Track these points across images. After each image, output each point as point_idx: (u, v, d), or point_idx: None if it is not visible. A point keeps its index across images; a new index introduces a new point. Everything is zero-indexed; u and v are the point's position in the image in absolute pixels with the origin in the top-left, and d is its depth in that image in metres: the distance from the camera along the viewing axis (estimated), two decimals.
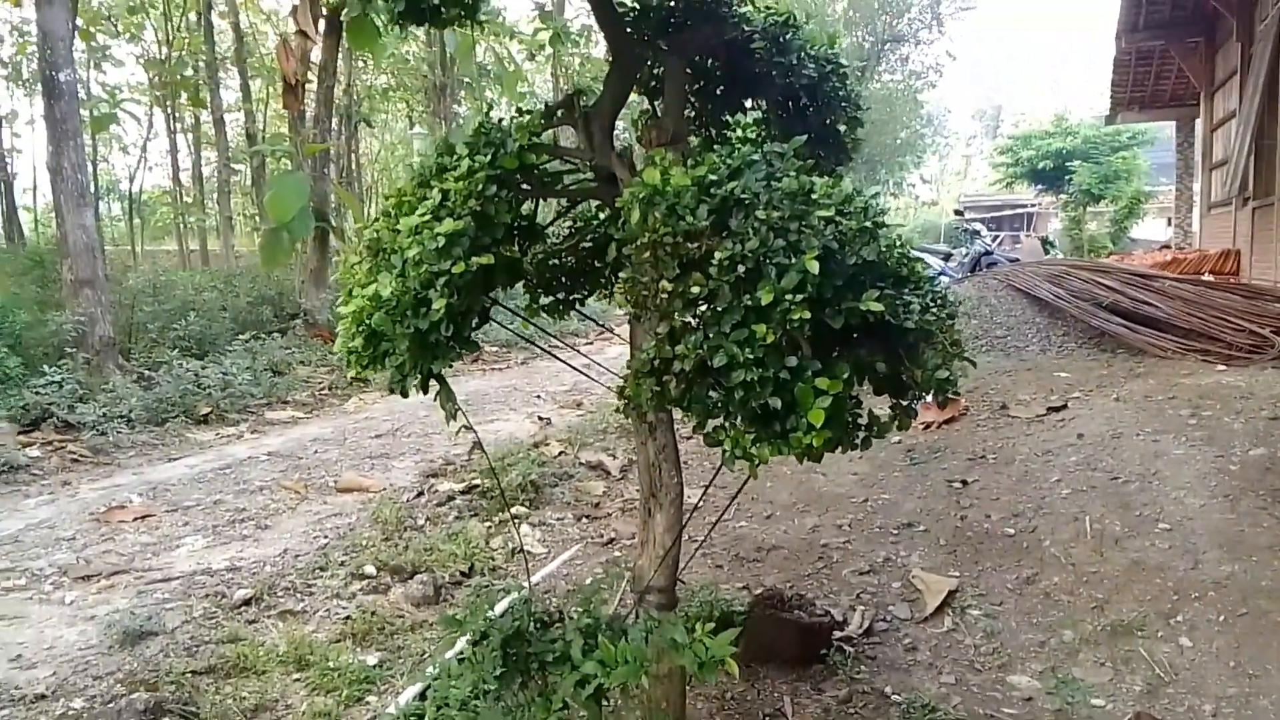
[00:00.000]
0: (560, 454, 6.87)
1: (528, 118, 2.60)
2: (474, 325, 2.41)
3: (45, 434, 7.70)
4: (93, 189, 10.12)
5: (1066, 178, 26.24)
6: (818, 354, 2.34)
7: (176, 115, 23.08)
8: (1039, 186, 32.49)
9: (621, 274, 2.24)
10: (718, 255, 2.14)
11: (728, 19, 2.80)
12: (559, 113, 2.77)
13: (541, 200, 2.94)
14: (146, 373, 9.38)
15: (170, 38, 20.44)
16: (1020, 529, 5.15)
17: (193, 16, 20.89)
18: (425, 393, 2.49)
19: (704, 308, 2.20)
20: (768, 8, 2.84)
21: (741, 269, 2.17)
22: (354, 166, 26.46)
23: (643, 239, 2.15)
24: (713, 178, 2.24)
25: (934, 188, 56.35)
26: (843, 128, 3.18)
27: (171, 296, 10.98)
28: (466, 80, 21.49)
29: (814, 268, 2.12)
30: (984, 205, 41.20)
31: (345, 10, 3.33)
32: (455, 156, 2.37)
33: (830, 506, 5.84)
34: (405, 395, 2.51)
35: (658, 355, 2.20)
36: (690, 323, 2.18)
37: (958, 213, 23.59)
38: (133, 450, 7.60)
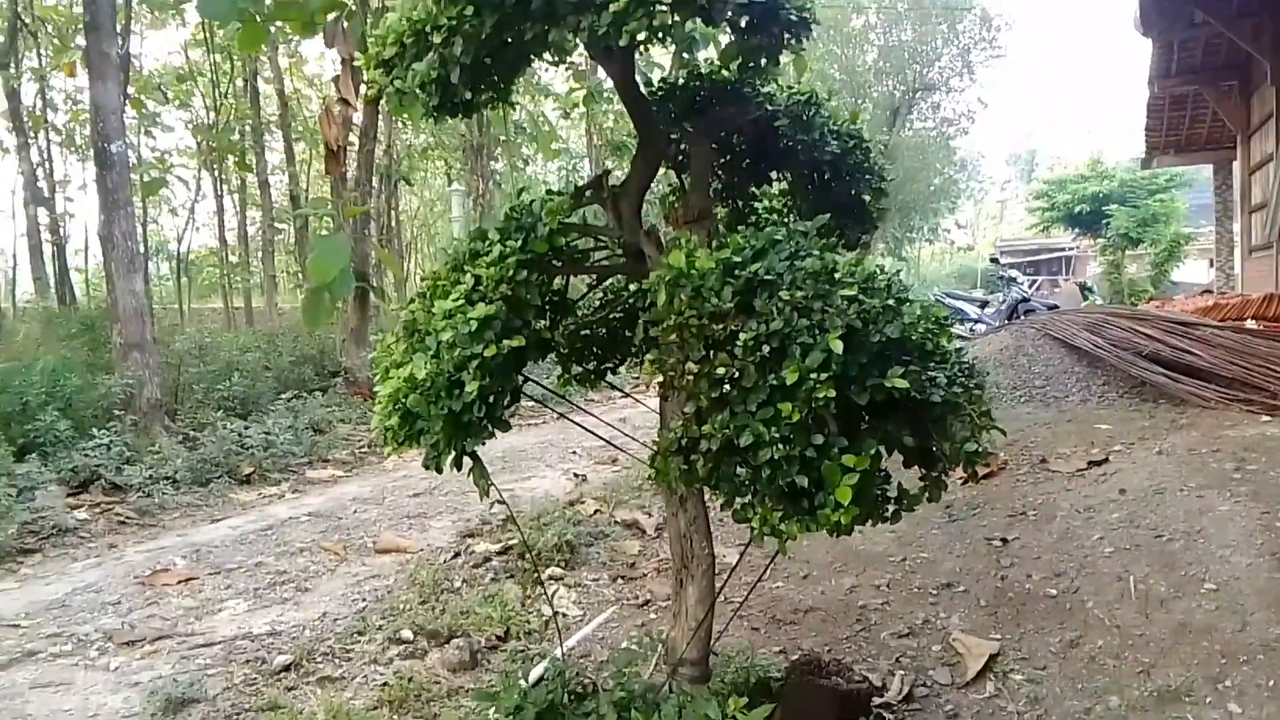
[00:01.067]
0: (595, 512, 6.89)
1: (558, 199, 2.68)
2: (505, 404, 2.47)
3: (94, 496, 7.87)
4: (142, 252, 10.44)
5: (1104, 221, 26.06)
6: (844, 430, 2.37)
7: (224, 178, 23.74)
8: (1076, 230, 32.27)
9: (649, 355, 2.29)
10: (742, 336, 2.18)
11: (752, 99, 2.87)
12: (588, 192, 2.84)
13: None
14: (192, 433, 9.58)
15: (218, 104, 21.14)
16: (1063, 589, 5.06)
17: (240, 82, 21.62)
18: (459, 469, 2.54)
19: (730, 387, 2.25)
20: (790, 88, 2.92)
21: (766, 349, 2.21)
22: (394, 224, 26.98)
23: (669, 321, 2.20)
24: (737, 259, 2.29)
25: (970, 232, 56.21)
26: (867, 198, 3.22)
27: (216, 358, 11.24)
28: (503, 138, 21.94)
29: (838, 347, 2.16)
30: (1021, 249, 40.95)
31: (384, 101, 3.44)
32: (487, 242, 2.44)
33: (868, 566, 5.78)
34: (440, 471, 2.57)
35: (685, 435, 2.24)
36: (717, 402, 2.22)
37: (993, 260, 23.45)
38: (177, 512, 7.74)
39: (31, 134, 19.22)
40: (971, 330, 16.50)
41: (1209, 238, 22.88)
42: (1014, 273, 18.56)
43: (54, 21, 20.03)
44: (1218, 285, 17.80)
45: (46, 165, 19.45)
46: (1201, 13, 11.87)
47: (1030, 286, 23.56)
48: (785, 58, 2.80)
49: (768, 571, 5.53)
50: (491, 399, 2.30)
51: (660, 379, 2.26)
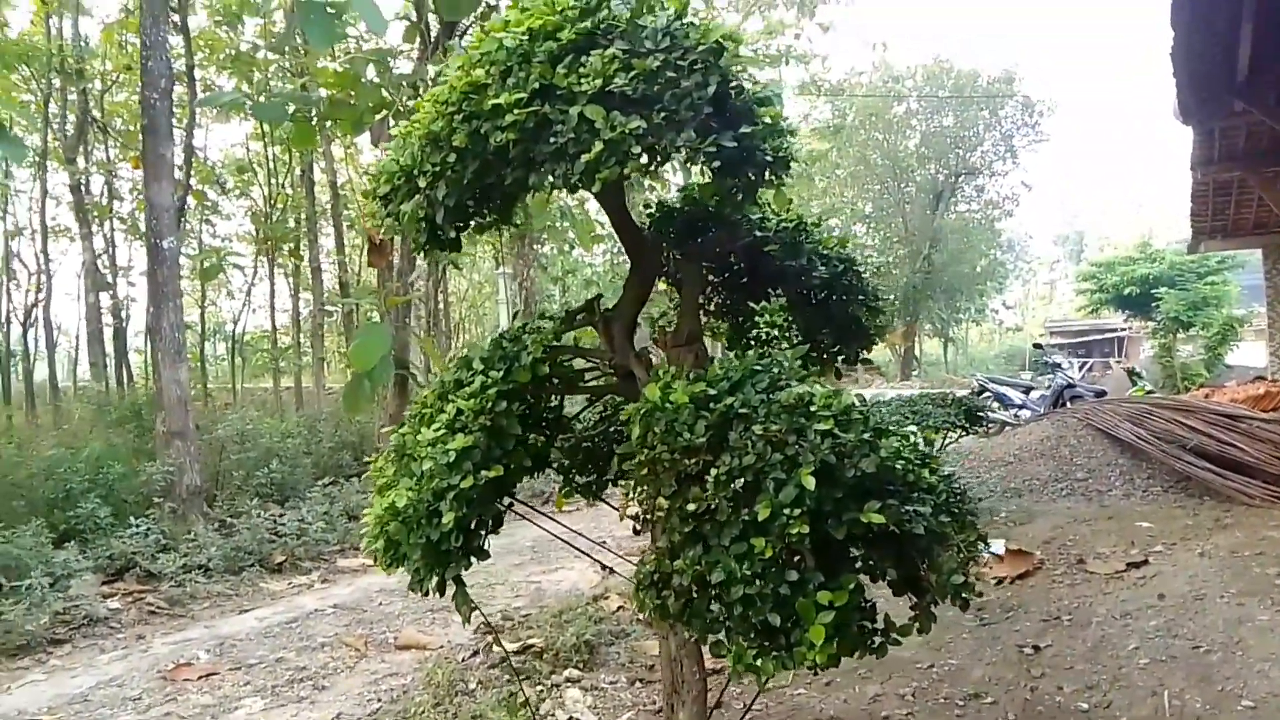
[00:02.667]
0: (619, 609, 6.81)
1: (549, 324, 2.73)
2: (487, 531, 2.49)
3: (128, 584, 7.99)
4: (189, 340, 10.74)
5: (1154, 304, 25.67)
6: (822, 564, 2.35)
7: (279, 263, 24.48)
8: (1126, 312, 31.81)
9: (621, 486, 2.30)
10: (714, 470, 2.19)
11: (742, 225, 2.93)
12: (580, 316, 2.90)
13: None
14: (229, 519, 9.71)
15: (274, 193, 21.93)
16: (1094, 703, 4.87)
17: (297, 172, 22.43)
18: (441, 595, 2.56)
19: (703, 522, 2.25)
20: (779, 214, 2.97)
21: (739, 483, 2.22)
22: (443, 306, 27.54)
23: (641, 455, 2.22)
24: (712, 391, 2.32)
25: (1019, 313, 55.62)
26: (863, 317, 3.24)
27: (257, 444, 11.44)
28: (548, 224, 22.40)
29: (810, 483, 2.16)
30: (1071, 330, 40.38)
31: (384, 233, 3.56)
32: (471, 371, 2.50)
33: (894, 672, 5.62)
34: (425, 594, 2.59)
35: (657, 569, 2.24)
36: (689, 536, 2.22)
37: (1037, 346, 23.13)
38: (207, 601, 7.81)
39: (97, 223, 20.10)
40: (1016, 417, 16.21)
41: (1264, 319, 22.41)
42: (1059, 358, 18.27)
43: (122, 117, 21.10)
44: (1272, 370, 17.35)
45: (111, 251, 20.27)
46: (1242, 102, 11.83)
47: (1080, 369, 23.15)
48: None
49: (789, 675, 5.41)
50: (469, 529, 2.32)
51: (634, 510, 2.27)
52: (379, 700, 5.44)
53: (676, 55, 2.23)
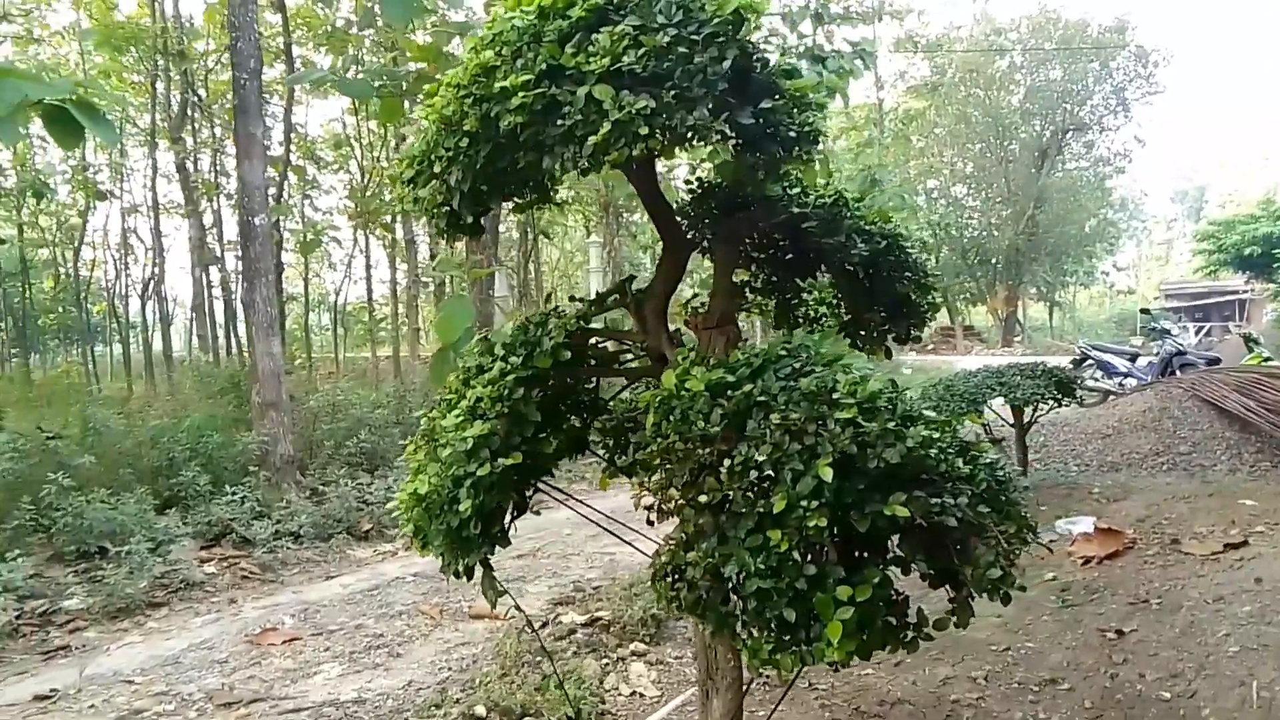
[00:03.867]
0: None
1: (574, 307, 2.70)
2: (511, 518, 2.48)
3: (224, 550, 8.36)
4: (287, 314, 11.10)
5: (1277, 265, 24.16)
6: (848, 555, 2.27)
7: (376, 235, 25.10)
8: (1247, 274, 30.03)
9: (636, 476, 2.26)
10: (726, 461, 2.13)
11: (777, 202, 2.83)
12: (612, 297, 2.86)
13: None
14: (320, 488, 10.06)
15: (371, 167, 22.44)
16: (1178, 692, 4.65)
17: (393, 144, 22.88)
18: (469, 579, 2.57)
19: (719, 513, 2.19)
20: (816, 189, 2.86)
21: (754, 474, 2.15)
22: (535, 275, 27.88)
23: (653, 445, 2.17)
24: (730, 379, 2.24)
25: (1132, 275, 53.16)
26: (913, 294, 3.10)
27: (348, 414, 11.78)
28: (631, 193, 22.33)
29: (827, 474, 2.08)
30: (1188, 293, 38.40)
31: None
32: (492, 358, 2.49)
33: (967, 654, 5.47)
34: (459, 577, 2.61)
35: (671, 561, 2.19)
36: (703, 528, 2.17)
37: (1144, 311, 22.03)
38: (296, 567, 8.12)
39: (205, 199, 20.94)
40: (1120, 386, 15.51)
41: None
42: (1167, 323, 17.36)
43: (227, 96, 21.84)
44: None
45: (219, 227, 21.09)
46: None
47: (1196, 335, 21.98)
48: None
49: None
50: (488, 516, 2.32)
51: (649, 500, 2.23)
52: (449, 669, 5.57)
53: (690, 29, 2.14)
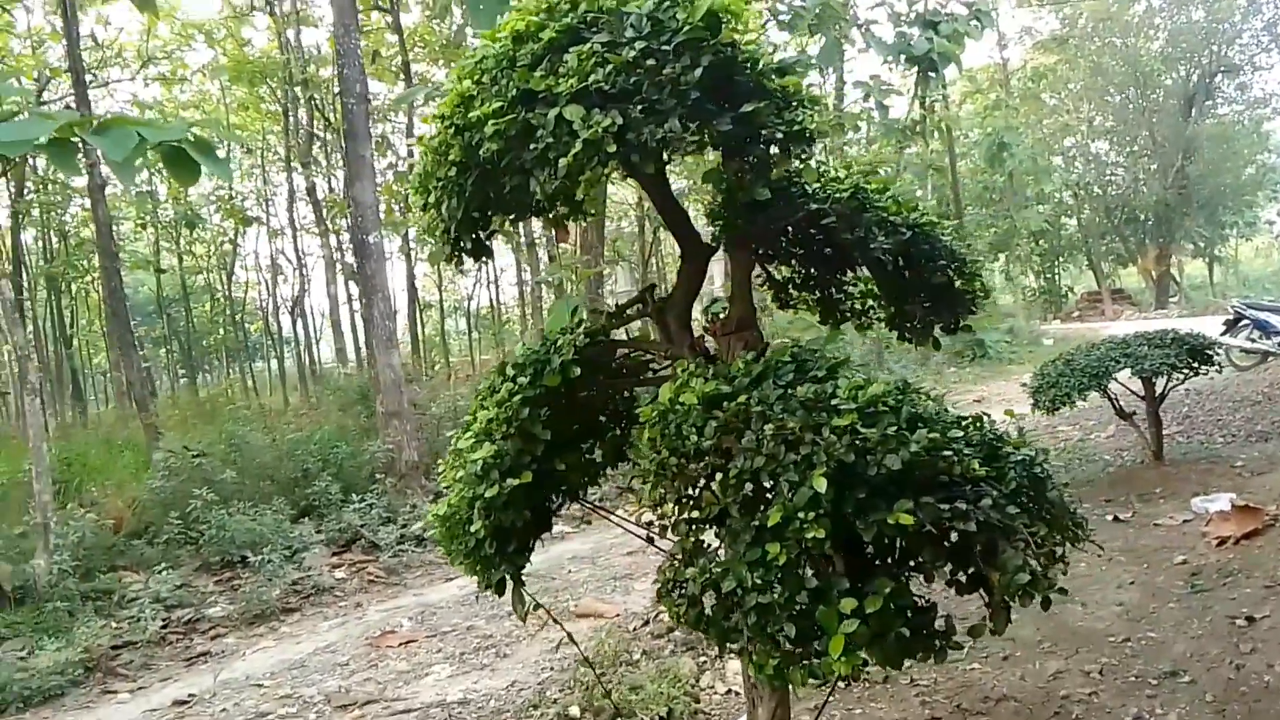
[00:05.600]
0: None
1: (594, 319, 2.71)
2: (532, 534, 2.52)
3: (354, 555, 8.80)
4: (415, 324, 11.50)
5: None
6: (859, 565, 2.21)
7: (506, 240, 25.78)
8: None
9: (633, 493, 2.26)
10: (719, 475, 2.10)
11: (795, 198, 2.75)
12: (632, 307, 2.86)
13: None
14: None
15: None
16: None
17: None
18: (500, 594, 2.62)
19: (718, 526, 2.16)
20: (836, 181, 2.77)
21: (750, 487, 2.12)
22: (658, 267, 28.02)
23: (644, 462, 2.16)
24: (726, 389, 2.21)
25: None
26: (956, 282, 2.98)
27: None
28: None
29: (821, 485, 2.03)
30: None
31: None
32: (503, 378, 2.53)
33: (1081, 646, 5.19)
34: (490, 590, 2.67)
35: (673, 577, 2.18)
36: (700, 544, 2.15)
37: None
38: (419, 570, 8.46)
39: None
40: None
41: None
42: None
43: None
44: None
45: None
46: None
47: None
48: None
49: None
50: (503, 536, 2.36)
51: (649, 517, 2.22)
52: (551, 669, 5.69)
53: (662, 40, 2.12)
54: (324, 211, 19.74)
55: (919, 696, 4.91)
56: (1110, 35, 30.87)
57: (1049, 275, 38.30)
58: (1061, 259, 38.15)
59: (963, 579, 2.40)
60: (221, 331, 30.39)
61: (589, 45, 2.10)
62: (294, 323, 27.62)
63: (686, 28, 2.11)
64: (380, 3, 21.45)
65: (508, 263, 28.63)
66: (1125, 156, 34.27)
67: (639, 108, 2.05)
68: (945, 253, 2.84)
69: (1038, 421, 11.25)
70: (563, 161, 2.04)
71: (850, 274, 3.25)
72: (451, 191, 2.29)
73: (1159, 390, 8.31)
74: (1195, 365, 7.95)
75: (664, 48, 2.10)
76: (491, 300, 25.31)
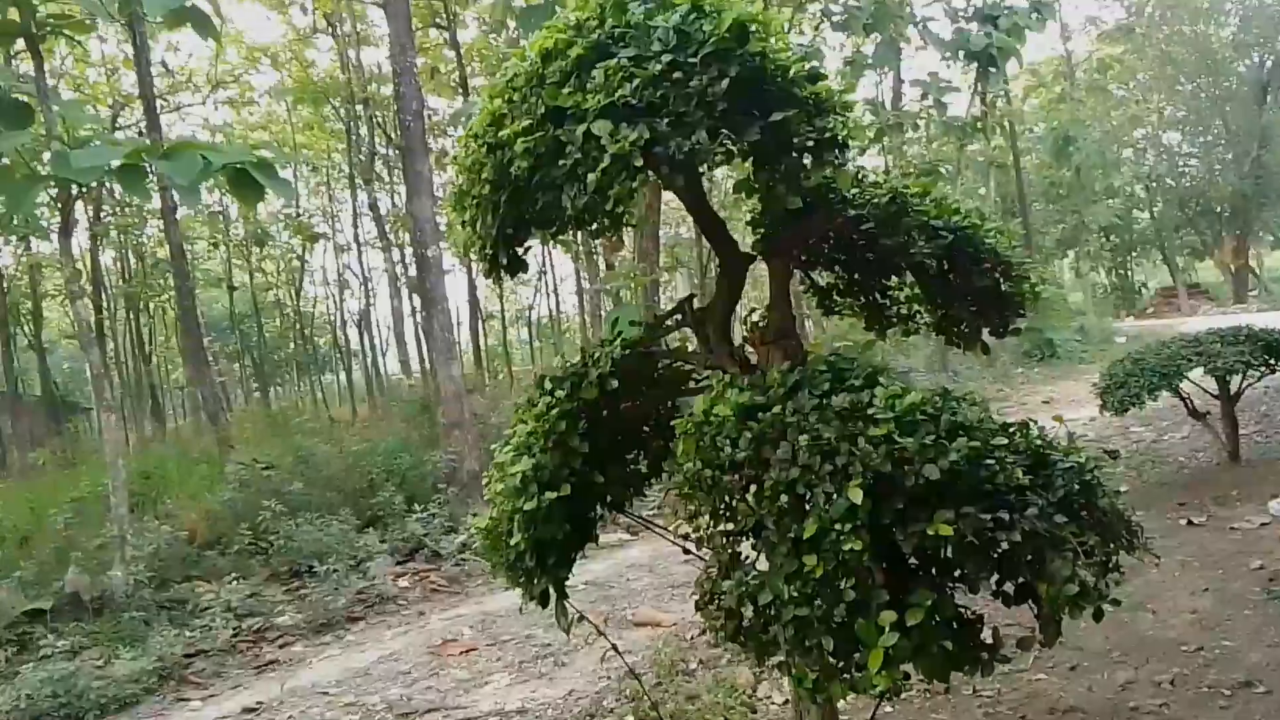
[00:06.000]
0: None
1: (633, 331, 2.72)
2: (574, 547, 2.54)
3: (417, 564, 8.93)
4: (455, 339, 11.66)
5: None
6: (901, 576, 2.18)
7: (565, 250, 26.01)
8: None
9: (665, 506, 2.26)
10: (754, 486, 2.09)
11: (832, 204, 2.73)
12: (674, 318, 2.86)
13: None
14: None
15: None
16: None
17: None
18: (544, 606, 2.64)
19: (753, 541, 2.15)
20: (873, 185, 2.74)
21: (785, 498, 2.10)
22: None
23: (678, 475, 2.16)
24: (761, 400, 2.20)
25: None
26: (1005, 284, 2.92)
27: None
28: None
29: (857, 496, 2.02)
30: None
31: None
32: (541, 392, 2.55)
33: (1152, 655, 5.03)
34: (534, 602, 2.70)
35: (711, 590, 2.17)
36: (736, 556, 2.14)
37: None
38: (480, 579, 8.55)
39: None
40: None
41: None
42: None
43: None
44: None
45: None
46: None
47: None
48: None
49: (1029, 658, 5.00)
50: (544, 548, 2.38)
51: (685, 529, 2.22)
52: (608, 677, 5.70)
53: (688, 54, 2.12)
54: (386, 226, 20.11)
55: (982, 708, 4.81)
56: (1179, 23, 29.96)
57: (1121, 271, 37.26)
58: (1134, 254, 37.09)
59: (1010, 590, 2.35)
60: (292, 346, 31.18)
61: (616, 60, 2.11)
62: (361, 336, 28.26)
63: (713, 40, 2.11)
64: (438, 20, 21.85)
65: (568, 271, 28.91)
66: (1198, 147, 33.20)
67: (666, 121, 2.05)
68: (990, 255, 2.79)
69: (1109, 423, 10.95)
70: (591, 177, 2.06)
71: (895, 279, 3.20)
72: (486, 209, 2.32)
73: (1234, 389, 8.02)
74: (1272, 362, 7.67)
75: (690, 60, 2.11)
76: (551, 309, 25.42)
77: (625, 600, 7.30)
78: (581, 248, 23.59)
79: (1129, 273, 38.10)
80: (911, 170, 20.11)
